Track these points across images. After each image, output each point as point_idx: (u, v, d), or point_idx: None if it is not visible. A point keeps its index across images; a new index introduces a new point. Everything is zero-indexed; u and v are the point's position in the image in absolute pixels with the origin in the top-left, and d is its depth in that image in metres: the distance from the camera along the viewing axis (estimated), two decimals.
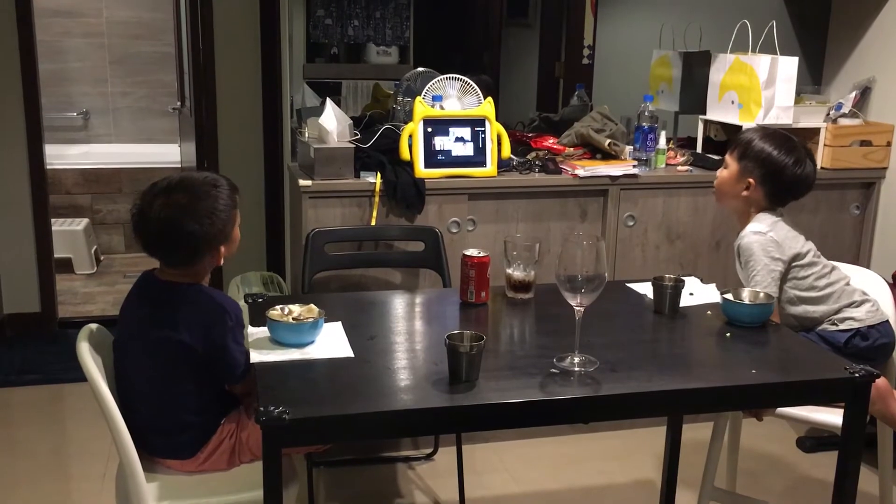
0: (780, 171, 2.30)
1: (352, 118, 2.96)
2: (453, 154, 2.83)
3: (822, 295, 2.32)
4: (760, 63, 2.99)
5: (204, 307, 1.83)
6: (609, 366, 1.71)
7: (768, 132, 2.38)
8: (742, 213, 2.38)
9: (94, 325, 1.88)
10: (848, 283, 2.36)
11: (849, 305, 2.31)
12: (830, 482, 1.80)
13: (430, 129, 2.80)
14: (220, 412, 1.92)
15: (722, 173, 2.41)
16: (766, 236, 2.28)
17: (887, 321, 2.33)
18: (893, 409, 2.20)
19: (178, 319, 1.81)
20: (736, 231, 3.08)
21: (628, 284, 2.26)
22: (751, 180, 2.32)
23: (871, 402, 2.18)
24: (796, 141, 2.36)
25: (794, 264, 2.30)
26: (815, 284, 2.31)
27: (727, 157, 2.41)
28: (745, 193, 2.34)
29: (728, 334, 1.94)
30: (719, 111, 3.20)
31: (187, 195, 1.83)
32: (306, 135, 2.90)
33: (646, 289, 2.16)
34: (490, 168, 2.86)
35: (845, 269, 2.43)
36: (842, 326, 2.29)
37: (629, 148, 3.10)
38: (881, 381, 2.24)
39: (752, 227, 2.33)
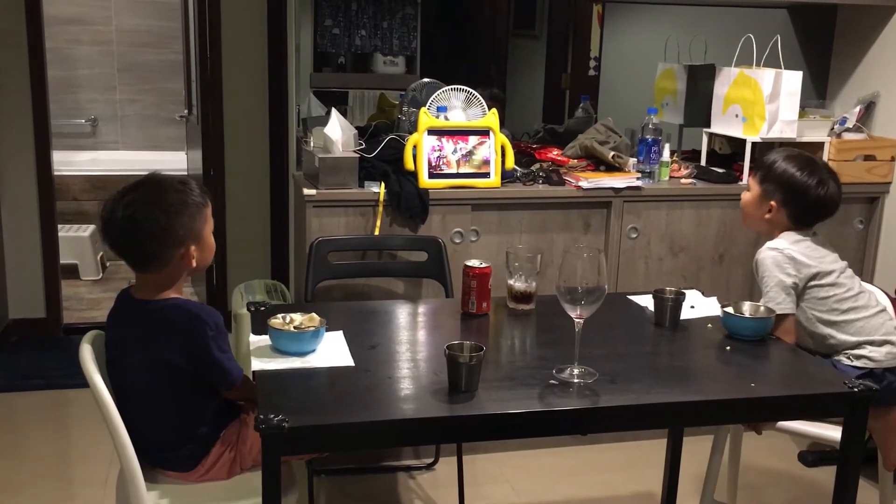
0: (803, 193, 2.27)
1: (357, 128, 2.97)
2: None
3: (843, 320, 2.26)
4: (764, 77, 3.00)
5: (181, 323, 1.79)
6: (608, 378, 1.72)
7: (791, 154, 2.34)
8: (768, 235, 2.36)
9: (96, 331, 1.88)
10: (879, 315, 2.29)
11: (870, 343, 2.25)
12: (831, 497, 1.80)
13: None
14: (220, 423, 1.90)
15: (745, 195, 2.39)
16: (783, 253, 2.25)
17: None
18: (891, 444, 2.20)
19: (159, 340, 1.79)
20: (740, 246, 3.11)
21: (629, 297, 2.26)
22: (773, 203, 2.30)
23: (875, 428, 2.18)
24: (820, 162, 2.34)
25: (812, 283, 2.26)
26: (836, 307, 2.26)
27: (749, 179, 2.40)
28: (767, 216, 2.32)
29: (728, 347, 1.94)
30: (723, 124, 3.21)
31: (153, 189, 1.81)
32: (311, 144, 2.92)
33: (647, 301, 2.16)
34: (494, 179, 2.87)
35: None
36: (857, 363, 2.24)
37: (633, 160, 3.11)
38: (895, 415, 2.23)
39: (770, 243, 2.30)
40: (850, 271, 2.33)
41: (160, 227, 1.78)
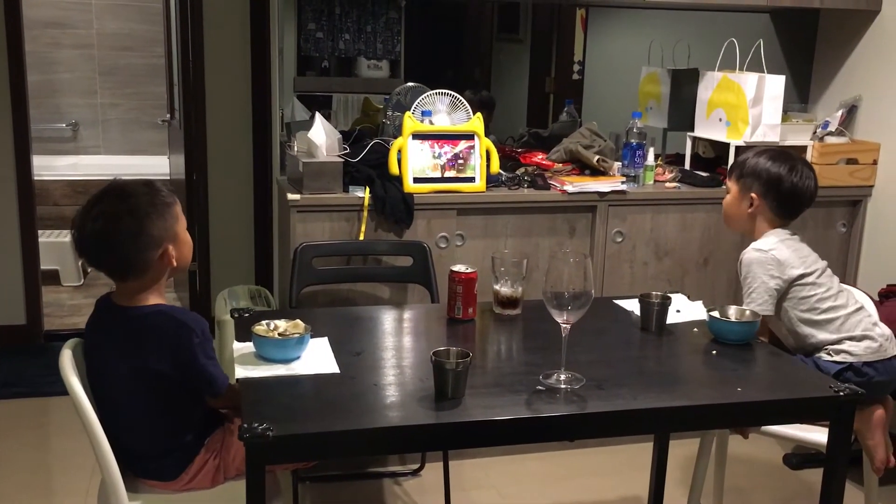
0: (778, 180, 2.30)
1: (341, 132, 2.96)
2: None
3: (823, 319, 2.28)
4: (748, 81, 3.01)
5: (167, 331, 1.76)
6: (595, 383, 1.71)
7: (760, 149, 2.40)
8: (754, 233, 2.37)
9: (76, 339, 1.85)
10: (857, 312, 2.31)
11: (850, 338, 2.27)
12: (817, 499, 1.80)
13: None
14: (204, 432, 1.88)
15: (726, 198, 2.42)
16: (768, 254, 2.27)
17: (890, 359, 2.29)
18: (876, 440, 2.21)
19: (145, 348, 1.76)
20: (724, 250, 3.12)
21: (615, 301, 2.26)
22: (753, 195, 2.33)
23: (860, 426, 2.20)
24: (791, 152, 2.39)
25: (796, 283, 2.28)
26: (817, 306, 2.28)
27: (727, 182, 2.43)
28: (750, 211, 2.35)
29: (714, 352, 1.94)
30: (707, 128, 3.22)
31: (118, 196, 1.78)
32: (295, 148, 2.90)
33: (633, 306, 2.16)
34: (479, 183, 2.87)
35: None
36: (836, 358, 2.26)
37: (617, 164, 3.11)
38: (879, 412, 2.24)
39: (756, 243, 2.32)
40: (829, 271, 2.36)
41: (134, 233, 1.75)
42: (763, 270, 2.26)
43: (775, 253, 2.28)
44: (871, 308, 2.43)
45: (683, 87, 3.43)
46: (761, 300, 2.25)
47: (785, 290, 2.28)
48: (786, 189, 2.31)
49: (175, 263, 1.82)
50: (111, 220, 1.75)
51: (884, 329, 2.34)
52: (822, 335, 2.28)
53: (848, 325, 2.28)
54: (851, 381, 2.19)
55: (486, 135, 2.91)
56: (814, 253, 2.35)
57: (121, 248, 1.76)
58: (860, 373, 2.23)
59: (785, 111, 3.19)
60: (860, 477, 2.43)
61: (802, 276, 2.28)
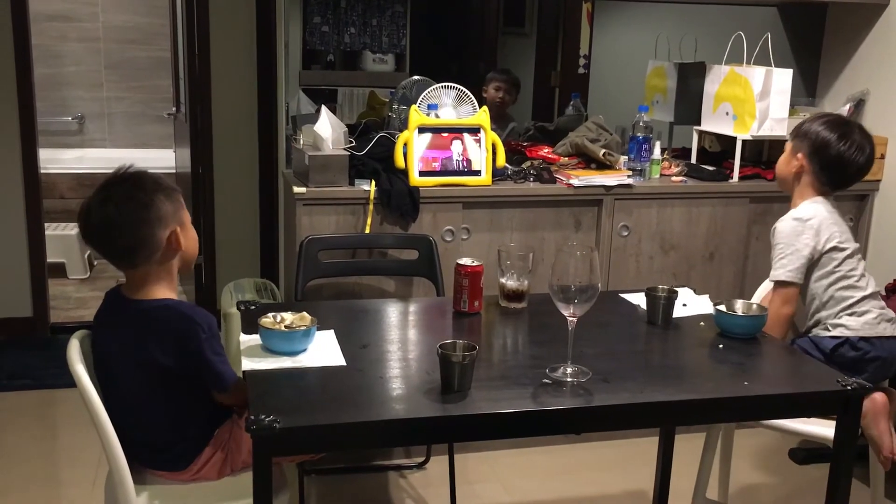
0: (826, 146, 2.30)
1: (347, 126, 2.96)
2: None
3: (840, 296, 2.28)
4: (755, 75, 3.00)
5: (174, 325, 1.77)
6: (601, 376, 1.71)
7: (825, 115, 2.40)
8: (797, 195, 2.37)
9: (84, 331, 1.86)
10: (871, 296, 2.31)
11: (851, 313, 2.28)
12: (822, 494, 1.80)
13: None
14: (212, 424, 1.88)
15: (781, 157, 2.44)
16: (806, 223, 2.27)
17: (889, 338, 2.29)
18: (881, 429, 2.20)
19: (152, 341, 1.77)
20: (730, 244, 3.12)
21: (621, 295, 2.26)
22: (800, 155, 2.33)
23: (862, 415, 2.19)
24: (854, 124, 2.38)
25: (826, 253, 2.27)
26: (839, 283, 2.28)
27: (787, 143, 2.45)
28: (795, 171, 2.35)
29: (720, 345, 1.94)
30: (714, 122, 3.21)
31: (125, 180, 1.81)
32: (301, 142, 2.90)
33: (639, 299, 2.16)
34: (485, 177, 2.86)
35: None
36: (833, 332, 2.27)
37: (624, 158, 3.10)
38: (880, 398, 2.24)
39: (794, 212, 2.33)
40: (860, 255, 2.35)
41: (143, 209, 1.76)
42: (796, 238, 2.26)
43: (813, 222, 2.27)
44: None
45: (690, 81, 3.42)
46: (791, 266, 2.25)
47: (817, 259, 2.27)
48: (832, 156, 2.30)
49: (182, 247, 1.82)
50: (120, 200, 1.77)
51: (887, 312, 2.34)
52: (828, 310, 2.29)
53: (855, 304, 2.29)
54: (847, 356, 2.19)
55: (511, 114, 2.94)
56: (850, 233, 2.35)
57: (130, 225, 1.76)
58: (856, 347, 2.24)
59: (792, 105, 3.17)
60: (866, 474, 2.42)
61: (835, 248, 2.27)
